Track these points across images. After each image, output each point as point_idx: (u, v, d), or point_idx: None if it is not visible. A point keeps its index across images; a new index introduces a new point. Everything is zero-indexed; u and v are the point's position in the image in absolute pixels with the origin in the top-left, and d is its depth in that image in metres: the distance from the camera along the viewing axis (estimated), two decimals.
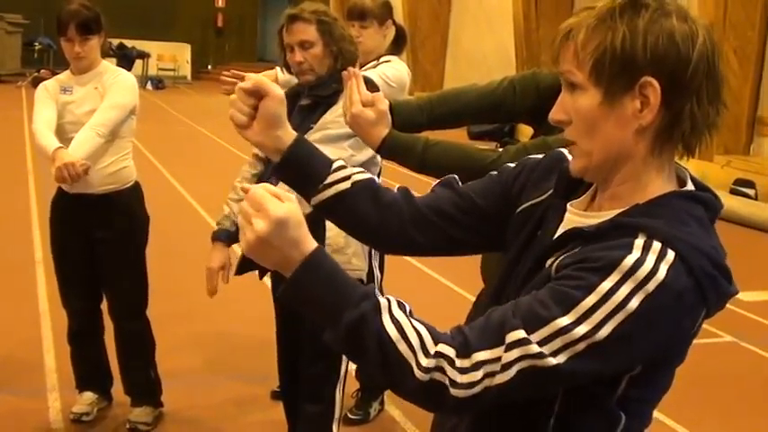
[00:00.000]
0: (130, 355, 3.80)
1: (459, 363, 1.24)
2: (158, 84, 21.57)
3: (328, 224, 2.94)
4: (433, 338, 1.26)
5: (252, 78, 1.59)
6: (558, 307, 1.22)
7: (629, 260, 1.22)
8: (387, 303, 1.27)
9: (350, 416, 3.94)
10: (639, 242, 1.24)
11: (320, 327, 1.30)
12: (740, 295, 6.28)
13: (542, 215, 1.43)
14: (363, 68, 3.48)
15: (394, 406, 4.15)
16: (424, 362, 1.24)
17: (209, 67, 24.55)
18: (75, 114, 3.55)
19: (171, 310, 4.97)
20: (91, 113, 3.50)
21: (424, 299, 4.32)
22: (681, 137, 1.31)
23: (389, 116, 2.15)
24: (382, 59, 3.67)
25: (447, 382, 1.23)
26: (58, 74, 3.78)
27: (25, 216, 7.35)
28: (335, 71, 2.95)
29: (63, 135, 3.49)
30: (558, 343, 1.21)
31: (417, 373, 1.24)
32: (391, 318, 1.26)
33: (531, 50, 14.42)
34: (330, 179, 1.56)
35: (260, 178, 3.08)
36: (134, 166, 3.75)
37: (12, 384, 4.19)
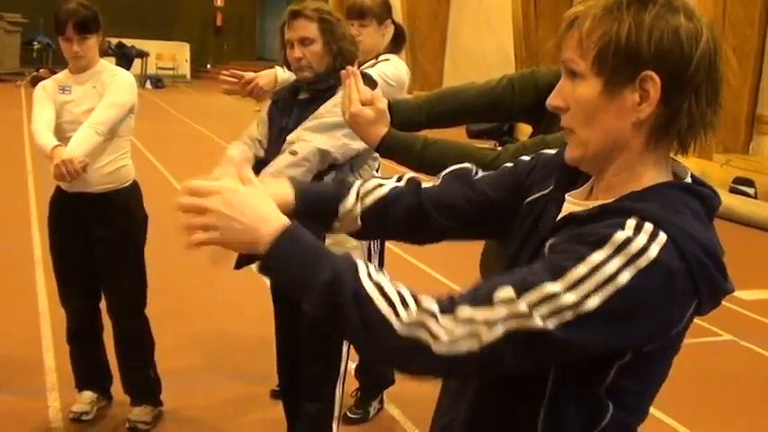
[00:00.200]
0: (130, 354, 3.80)
1: (442, 319, 1.23)
2: (157, 83, 21.55)
3: None
4: (414, 297, 1.26)
5: None
6: (547, 274, 1.22)
7: (621, 236, 1.22)
8: (365, 266, 1.27)
9: (349, 415, 3.94)
10: (632, 222, 1.24)
11: (300, 298, 1.28)
12: (740, 294, 6.27)
13: (544, 207, 1.44)
14: (362, 67, 3.47)
15: (393, 405, 4.15)
16: (405, 316, 1.23)
17: (209, 66, 24.54)
18: (74, 114, 3.55)
19: (170, 310, 4.97)
20: (89, 112, 3.50)
21: None
22: (677, 134, 1.31)
23: (388, 115, 2.15)
24: (381, 58, 3.67)
25: (429, 339, 1.22)
26: (56, 73, 3.78)
27: (24, 215, 7.35)
28: (334, 70, 2.95)
29: (61, 134, 3.48)
30: (546, 308, 1.20)
31: (398, 327, 1.23)
32: (369, 277, 1.26)
33: (530, 49, 14.41)
34: (338, 223, 1.60)
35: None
36: (132, 165, 3.74)
37: (11, 384, 4.19)
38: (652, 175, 1.33)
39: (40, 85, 3.67)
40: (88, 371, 3.86)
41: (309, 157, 2.91)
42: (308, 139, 2.93)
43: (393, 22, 3.80)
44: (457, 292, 1.29)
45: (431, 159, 2.14)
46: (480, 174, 1.59)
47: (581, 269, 1.21)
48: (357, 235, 1.64)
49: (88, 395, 3.84)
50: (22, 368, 4.38)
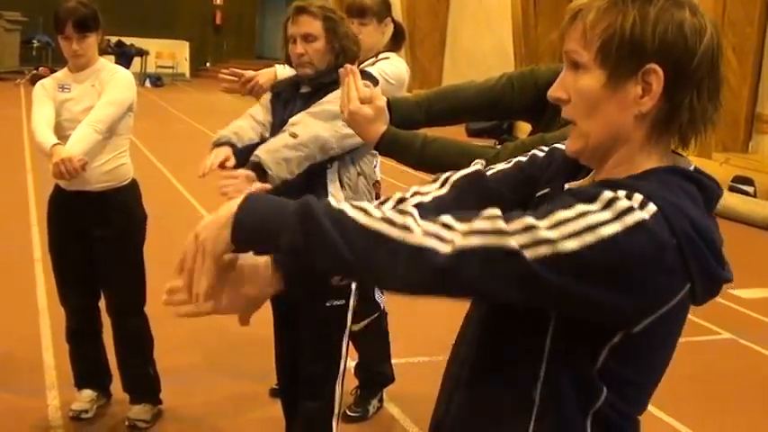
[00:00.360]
0: (129, 352, 3.80)
1: (420, 219, 1.24)
2: (157, 81, 21.53)
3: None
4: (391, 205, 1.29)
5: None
6: (533, 215, 1.23)
7: (609, 194, 1.23)
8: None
9: (349, 413, 3.94)
10: (622, 192, 1.24)
11: (279, 243, 1.26)
12: (739, 292, 6.28)
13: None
14: (362, 65, 3.47)
15: (393, 403, 4.15)
16: (378, 213, 1.24)
17: (208, 64, 24.51)
18: (73, 112, 3.55)
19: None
20: (88, 111, 3.50)
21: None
22: (678, 128, 1.31)
23: (387, 113, 2.15)
24: (381, 56, 3.67)
25: (402, 233, 1.22)
26: (56, 71, 3.78)
27: (24, 214, 7.35)
28: (335, 68, 2.95)
29: (61, 133, 3.48)
30: (524, 238, 1.20)
31: (366, 222, 1.23)
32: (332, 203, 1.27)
33: (529, 48, 14.40)
34: None
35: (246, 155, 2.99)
36: (131, 163, 3.74)
37: (11, 382, 4.19)
38: (651, 166, 1.33)
39: (40, 83, 3.67)
40: (88, 369, 3.86)
41: (308, 143, 2.90)
42: (309, 124, 2.93)
43: (393, 20, 3.80)
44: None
45: (430, 157, 2.14)
46: (491, 170, 1.55)
47: (566, 213, 1.22)
48: None
49: (87, 393, 3.84)
50: (21, 366, 4.39)
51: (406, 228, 1.23)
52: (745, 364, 5.09)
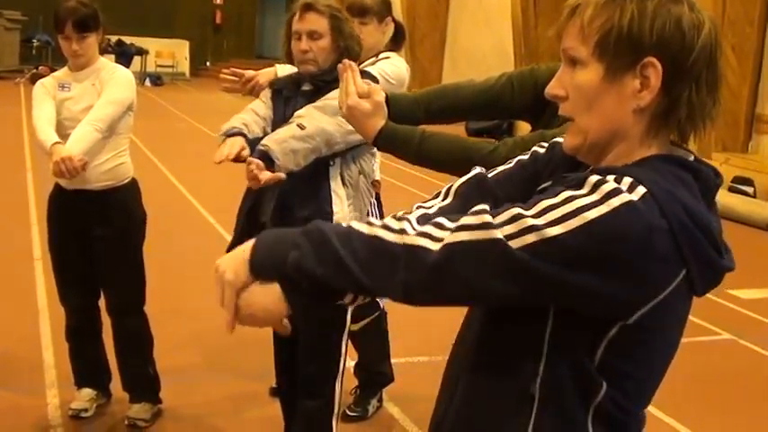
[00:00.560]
0: (129, 351, 3.80)
1: (415, 222, 1.29)
2: (157, 80, 21.54)
3: (334, 205, 2.95)
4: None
5: None
6: (523, 204, 1.25)
7: (596, 178, 1.24)
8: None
9: (348, 413, 3.94)
10: (611, 177, 1.25)
11: (296, 270, 1.31)
12: (739, 293, 6.28)
13: None
14: (362, 65, 3.47)
15: (392, 403, 4.15)
16: (378, 221, 1.30)
17: (208, 63, 24.52)
18: (73, 111, 3.55)
19: (170, 307, 4.97)
20: (88, 110, 3.50)
21: None
22: (677, 123, 1.31)
23: (386, 108, 2.15)
24: (381, 56, 3.67)
25: (397, 236, 1.27)
26: (56, 70, 3.78)
27: (24, 213, 7.34)
28: (336, 67, 2.95)
29: (60, 132, 3.48)
30: (510, 228, 1.22)
31: (367, 231, 1.28)
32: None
33: (529, 48, 14.41)
34: None
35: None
36: (131, 162, 3.74)
37: (10, 381, 4.19)
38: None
39: (40, 82, 3.66)
40: (87, 368, 3.86)
41: (315, 135, 2.90)
42: (315, 117, 2.93)
43: (393, 20, 3.80)
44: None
45: (428, 152, 2.14)
46: (492, 173, 1.53)
47: (553, 200, 1.23)
48: None
49: (87, 392, 3.84)
50: (21, 365, 4.38)
51: (402, 231, 1.27)
52: (745, 364, 5.09)
